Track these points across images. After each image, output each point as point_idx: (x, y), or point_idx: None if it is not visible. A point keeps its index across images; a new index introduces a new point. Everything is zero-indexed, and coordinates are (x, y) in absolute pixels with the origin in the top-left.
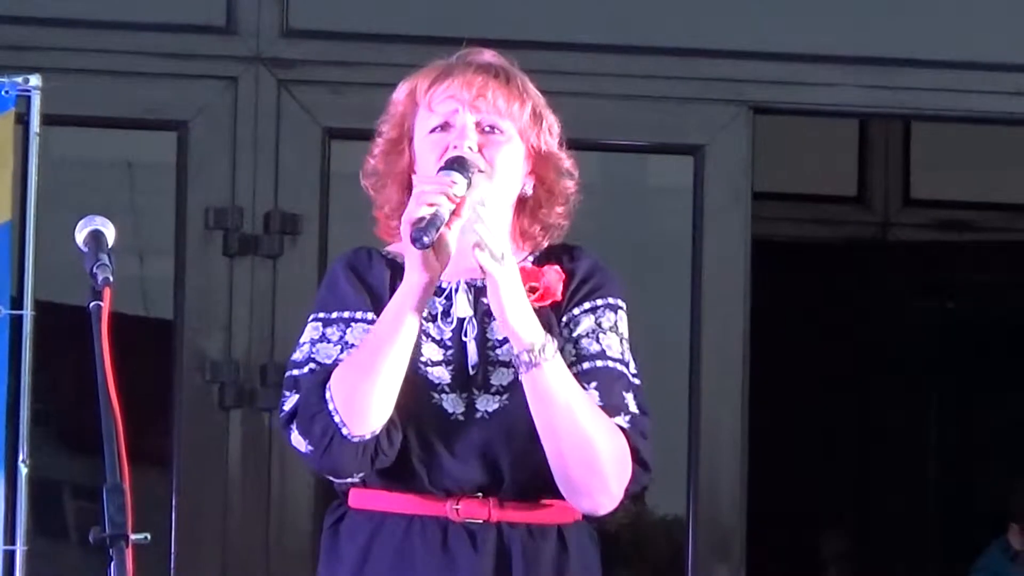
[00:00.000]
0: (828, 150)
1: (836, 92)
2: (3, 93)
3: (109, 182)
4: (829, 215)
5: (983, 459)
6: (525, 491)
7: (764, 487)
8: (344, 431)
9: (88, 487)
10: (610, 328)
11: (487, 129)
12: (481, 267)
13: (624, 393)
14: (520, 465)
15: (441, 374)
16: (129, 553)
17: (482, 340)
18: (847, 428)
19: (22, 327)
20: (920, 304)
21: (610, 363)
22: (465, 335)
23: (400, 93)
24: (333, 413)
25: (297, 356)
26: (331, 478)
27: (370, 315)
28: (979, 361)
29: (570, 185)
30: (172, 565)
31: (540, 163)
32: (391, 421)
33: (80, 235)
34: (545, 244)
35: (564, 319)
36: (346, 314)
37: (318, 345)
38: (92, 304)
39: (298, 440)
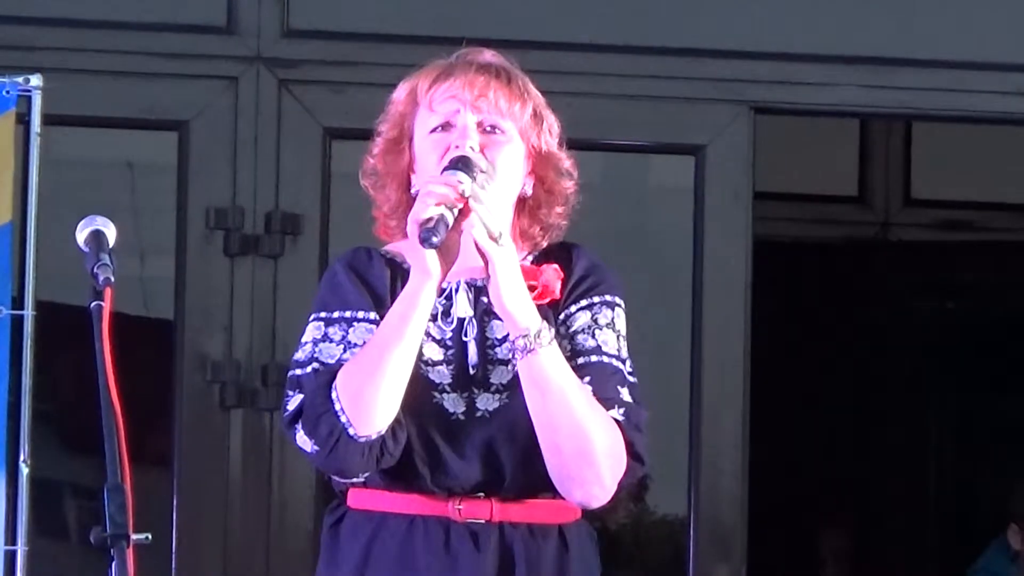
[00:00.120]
0: (829, 150)
1: (837, 92)
2: (4, 93)
3: (110, 182)
4: (830, 215)
5: (983, 459)
6: (526, 490)
7: (764, 486)
8: (351, 431)
9: (89, 487)
10: (606, 324)
11: (488, 129)
12: (479, 249)
13: (619, 387)
14: (521, 463)
15: (442, 374)
16: (130, 553)
17: (482, 340)
18: (847, 428)
19: (23, 327)
20: (920, 304)
21: (605, 358)
22: (465, 335)
23: (400, 93)
24: (340, 413)
25: (299, 356)
26: (335, 477)
27: (372, 314)
28: (979, 361)
29: (569, 185)
30: (173, 565)
31: (540, 163)
32: (396, 421)
33: (81, 235)
34: (544, 244)
35: (561, 316)
36: (348, 313)
37: (320, 345)
38: (93, 304)
39: (303, 440)
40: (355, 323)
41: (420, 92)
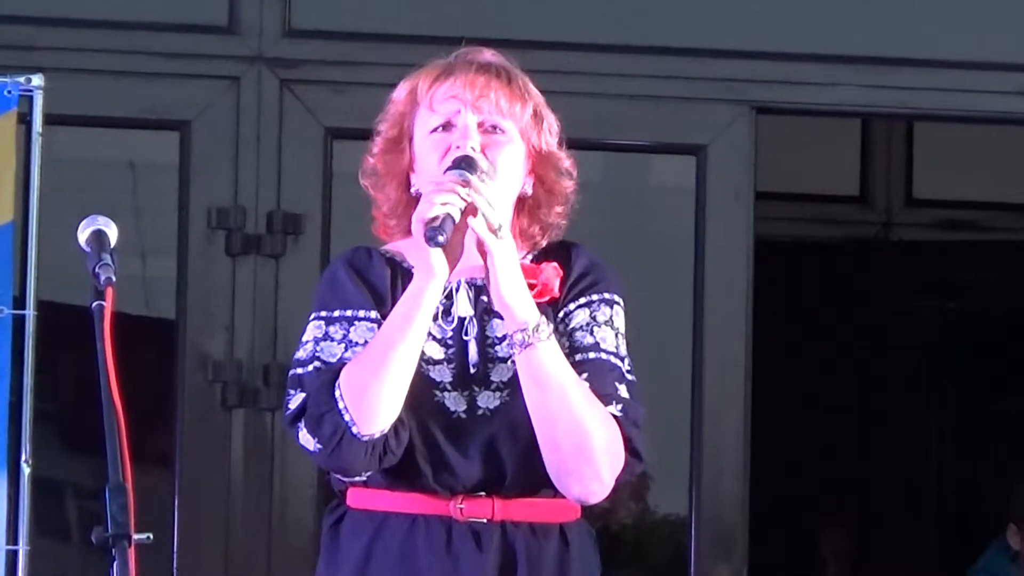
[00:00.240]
0: (830, 150)
1: (838, 92)
2: (5, 93)
3: (111, 182)
4: (831, 215)
5: (983, 459)
6: (527, 488)
7: (764, 486)
8: (354, 430)
9: (90, 487)
10: (605, 322)
11: (489, 129)
12: (478, 241)
13: (617, 384)
14: (522, 461)
15: (442, 372)
16: (132, 553)
17: (482, 338)
18: (847, 428)
19: (25, 327)
20: (921, 304)
21: (603, 355)
22: (466, 334)
23: (400, 92)
24: (343, 412)
25: (301, 355)
26: (337, 476)
27: (373, 313)
28: (979, 361)
29: (569, 185)
30: (174, 565)
31: (540, 163)
32: (399, 419)
33: (82, 235)
34: (544, 243)
35: (560, 314)
36: (348, 312)
37: (322, 344)
38: (95, 304)
39: (306, 439)
40: (356, 322)
41: (420, 92)
